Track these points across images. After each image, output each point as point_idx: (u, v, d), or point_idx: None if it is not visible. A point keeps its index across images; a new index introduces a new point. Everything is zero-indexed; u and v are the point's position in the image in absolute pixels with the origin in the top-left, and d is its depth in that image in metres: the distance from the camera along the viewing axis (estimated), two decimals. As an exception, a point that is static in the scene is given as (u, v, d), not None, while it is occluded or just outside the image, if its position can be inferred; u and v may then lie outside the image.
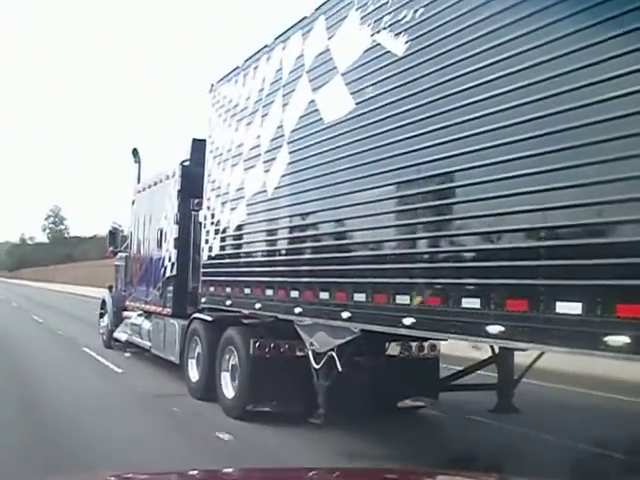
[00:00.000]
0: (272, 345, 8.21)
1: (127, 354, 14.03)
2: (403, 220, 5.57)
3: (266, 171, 7.89)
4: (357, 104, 6.21)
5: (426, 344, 8.68)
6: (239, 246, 8.61)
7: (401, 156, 5.48)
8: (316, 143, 6.86)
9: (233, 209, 8.75)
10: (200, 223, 10.05)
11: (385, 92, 5.80)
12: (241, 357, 8.37)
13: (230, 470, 2.96)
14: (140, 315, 13.65)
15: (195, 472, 2.71)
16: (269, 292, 7.67)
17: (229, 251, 8.90)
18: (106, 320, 15.61)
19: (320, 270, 6.62)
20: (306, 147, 7.05)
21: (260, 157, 8.07)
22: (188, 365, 10.13)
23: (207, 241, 9.66)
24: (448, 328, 4.95)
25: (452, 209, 5.01)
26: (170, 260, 11.32)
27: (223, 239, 9.08)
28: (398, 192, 5.62)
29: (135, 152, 14.55)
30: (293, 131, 7.35)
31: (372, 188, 5.93)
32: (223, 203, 9.09)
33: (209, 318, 9.50)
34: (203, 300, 9.70)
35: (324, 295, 6.53)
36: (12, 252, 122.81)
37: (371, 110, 6.01)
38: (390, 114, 5.68)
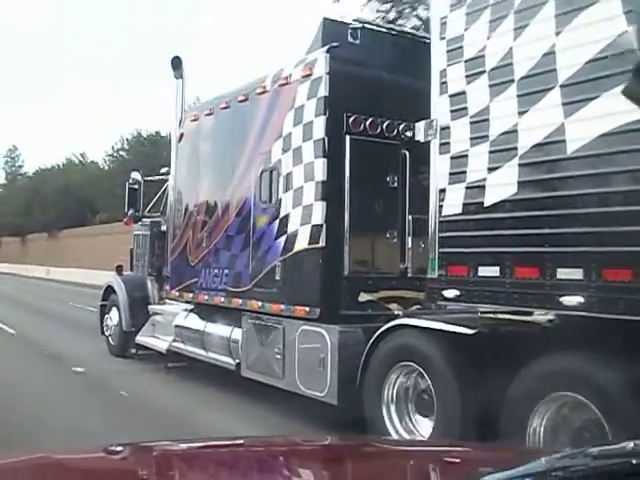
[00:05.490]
0: None
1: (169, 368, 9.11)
2: None
3: None
4: None
5: None
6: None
7: None
8: None
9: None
10: (429, 139, 5.20)
11: None
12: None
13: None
14: (192, 312, 8.74)
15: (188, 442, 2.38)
16: None
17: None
18: (115, 317, 10.53)
19: None
20: None
21: None
22: (384, 416, 5.39)
23: (457, 176, 4.86)
24: None
25: None
26: (304, 221, 6.46)
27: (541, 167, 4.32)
28: None
29: (176, 62, 9.43)
30: None
31: None
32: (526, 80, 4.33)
33: (467, 330, 4.75)
34: (451, 294, 4.90)
35: None
36: None
37: None
38: None
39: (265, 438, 3.01)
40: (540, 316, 4.88)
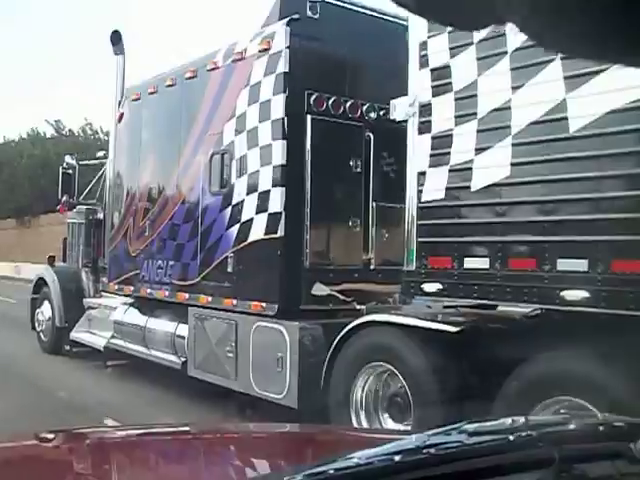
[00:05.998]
0: None
1: (108, 369, 8.43)
2: None
3: None
4: None
5: None
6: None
7: None
8: None
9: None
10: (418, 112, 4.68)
11: None
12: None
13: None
14: (132, 306, 8.11)
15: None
16: None
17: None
18: (47, 311, 9.78)
19: None
20: None
21: None
22: (352, 422, 4.94)
23: (439, 158, 4.40)
24: None
25: None
26: (260, 209, 5.92)
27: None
28: None
29: (116, 38, 8.71)
30: None
31: None
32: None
33: (449, 327, 4.31)
34: (432, 288, 4.44)
35: None
36: None
37: None
38: None
39: (213, 424, 2.94)
40: (517, 309, 4.52)
